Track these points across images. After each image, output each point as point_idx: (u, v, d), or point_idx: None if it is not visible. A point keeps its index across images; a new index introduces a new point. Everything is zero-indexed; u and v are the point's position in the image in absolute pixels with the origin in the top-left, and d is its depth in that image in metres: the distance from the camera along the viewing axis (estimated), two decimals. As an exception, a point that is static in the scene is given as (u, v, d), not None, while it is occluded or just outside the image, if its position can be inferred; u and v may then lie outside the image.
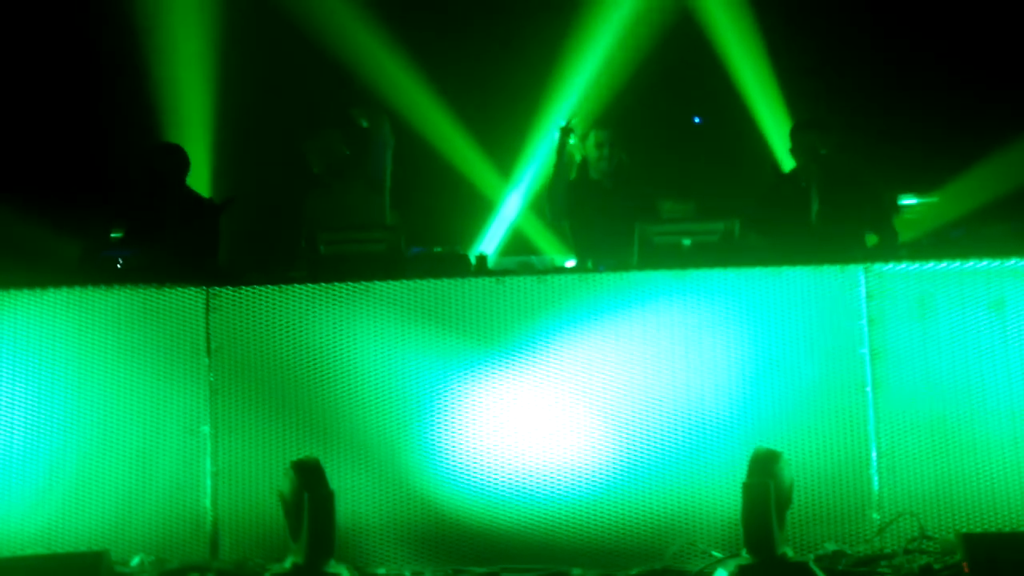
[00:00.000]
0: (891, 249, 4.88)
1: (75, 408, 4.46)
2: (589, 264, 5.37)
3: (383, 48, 7.33)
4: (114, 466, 4.44)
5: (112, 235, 5.71)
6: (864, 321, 4.38)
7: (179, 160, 5.57)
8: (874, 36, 7.07)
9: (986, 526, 4.23)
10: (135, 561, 4.32)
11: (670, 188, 5.87)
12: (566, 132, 5.74)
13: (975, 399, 4.31)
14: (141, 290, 4.52)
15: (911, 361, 4.35)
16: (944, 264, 4.39)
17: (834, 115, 6.08)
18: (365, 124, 5.73)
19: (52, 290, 4.52)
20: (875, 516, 4.30)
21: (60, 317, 4.51)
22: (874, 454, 4.32)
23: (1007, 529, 4.22)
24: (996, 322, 4.34)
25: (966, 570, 3.61)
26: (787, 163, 6.83)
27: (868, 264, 4.43)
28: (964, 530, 4.16)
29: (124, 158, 5.96)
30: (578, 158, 5.83)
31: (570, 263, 6.03)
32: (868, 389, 4.35)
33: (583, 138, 5.81)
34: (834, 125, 5.54)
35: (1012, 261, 4.35)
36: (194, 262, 5.03)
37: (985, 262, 4.37)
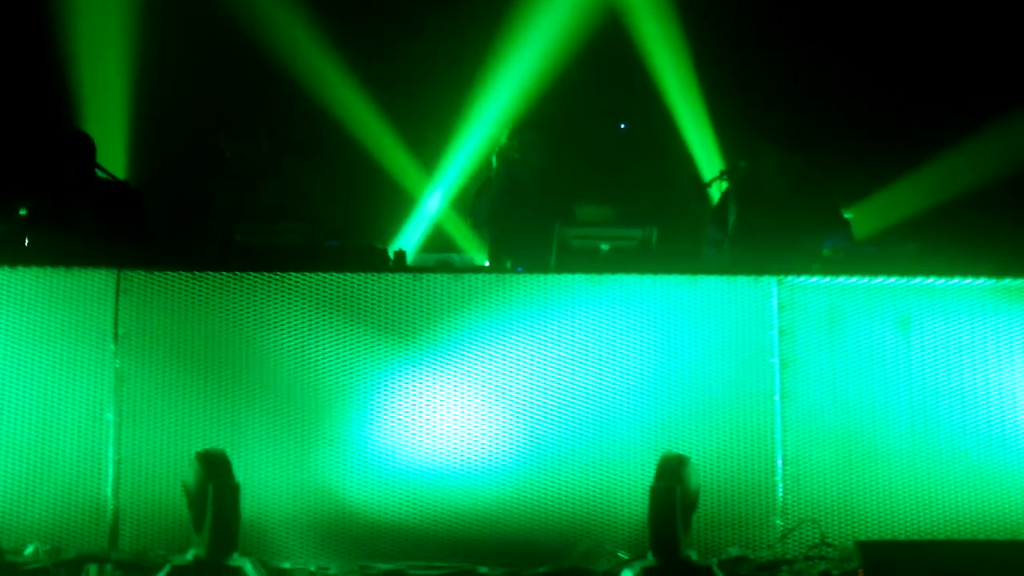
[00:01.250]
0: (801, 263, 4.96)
1: (-27, 390, 4.33)
2: (508, 264, 5.38)
3: (308, 38, 7.24)
4: (11, 451, 4.31)
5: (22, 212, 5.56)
6: (775, 331, 4.46)
7: (82, 145, 5.45)
8: (796, 49, 7.20)
9: (884, 534, 4.35)
10: (29, 550, 4.19)
11: (591, 193, 5.91)
12: (508, 158, 5.74)
13: (878, 412, 4.41)
14: (48, 271, 4.40)
15: (819, 372, 4.45)
16: (854, 279, 4.49)
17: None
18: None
19: (-47, 268, 4.38)
20: (779, 522, 4.37)
21: (-39, 296, 4.37)
22: (780, 462, 4.40)
23: (903, 537, 4.33)
24: (901, 338, 4.45)
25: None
26: (708, 172, 6.96)
27: (781, 276, 4.50)
28: (863, 538, 4.26)
29: (31, 142, 5.79)
30: (495, 163, 5.85)
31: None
32: (776, 398, 4.43)
33: (508, 139, 5.82)
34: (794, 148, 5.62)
35: (918, 279, 4.47)
36: (106, 242, 4.90)
37: (893, 279, 4.48)
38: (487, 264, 5.70)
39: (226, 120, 5.77)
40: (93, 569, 4.12)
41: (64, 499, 4.31)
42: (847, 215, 6.09)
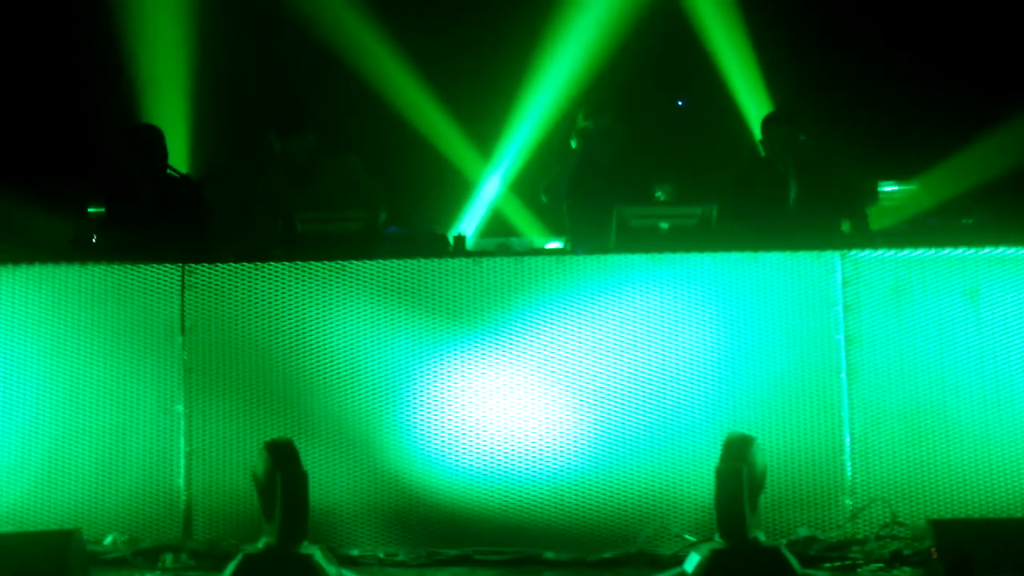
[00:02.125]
0: (865, 237, 4.88)
1: (48, 386, 4.44)
2: (568, 245, 5.37)
3: (365, 28, 7.27)
4: (87, 444, 4.42)
5: (91, 210, 5.66)
6: (840, 307, 4.39)
7: (154, 140, 5.50)
8: (857, 23, 7.07)
9: (957, 513, 4.26)
10: (108, 540, 4.31)
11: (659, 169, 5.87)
12: (584, 133, 5.71)
13: (948, 386, 4.33)
14: (116, 268, 4.49)
15: (886, 347, 4.37)
16: (920, 251, 4.40)
17: (804, 105, 6.07)
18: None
19: (26, 267, 4.49)
20: (848, 502, 4.32)
21: (34, 294, 4.48)
22: (848, 440, 4.34)
23: (977, 516, 4.25)
24: (970, 310, 4.35)
25: (934, 556, 3.62)
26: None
27: (845, 251, 4.43)
28: (934, 516, 4.19)
29: (103, 138, 5.89)
30: (574, 144, 5.81)
31: (552, 245, 6.02)
32: (843, 375, 4.36)
33: (583, 119, 5.77)
34: (802, 118, 5.52)
35: (986, 249, 4.37)
36: (175, 240, 4.98)
37: (960, 250, 4.39)
38: (550, 245, 5.67)
39: (280, 114, 5.79)
40: (169, 558, 4.23)
41: (139, 490, 4.41)
42: (911, 186, 5.99)
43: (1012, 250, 4.37)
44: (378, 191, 5.75)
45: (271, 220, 5.39)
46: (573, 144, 5.81)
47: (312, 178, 5.73)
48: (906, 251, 4.42)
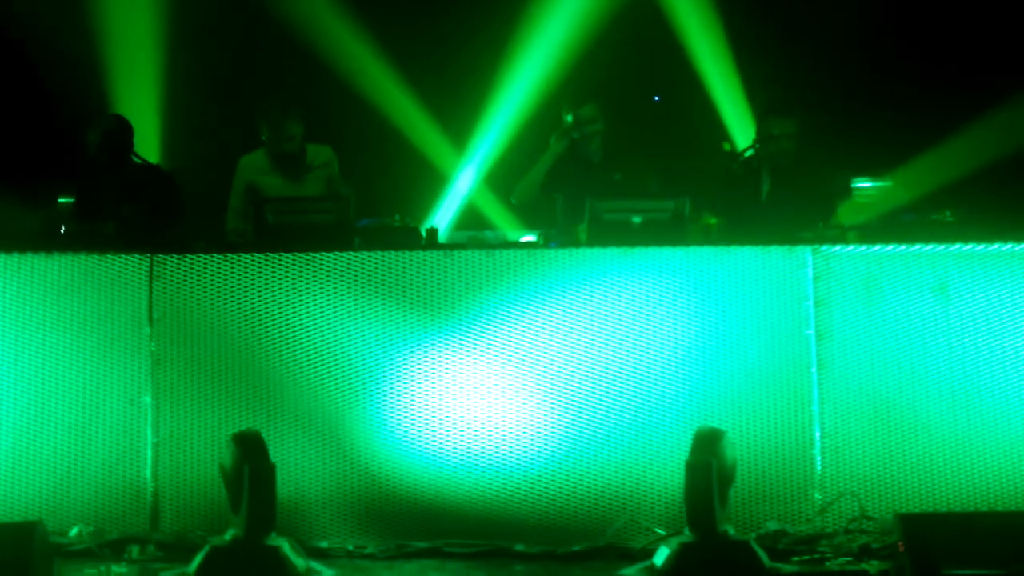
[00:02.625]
0: (837, 232, 4.89)
1: (13, 376, 4.40)
2: (540, 239, 5.34)
3: (339, 17, 7.23)
4: (53, 436, 4.38)
5: (61, 200, 5.61)
6: (811, 302, 4.40)
7: (120, 130, 5.47)
8: (832, 18, 7.08)
9: (924, 506, 4.29)
10: (74, 531, 4.27)
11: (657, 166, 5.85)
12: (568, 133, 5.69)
13: (917, 381, 4.35)
14: (83, 257, 4.45)
15: (856, 343, 4.39)
16: (891, 247, 4.42)
17: (795, 99, 6.08)
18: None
19: (-9, 256, 4.44)
20: (817, 496, 4.33)
21: (-1, 284, 4.43)
22: (817, 434, 4.35)
23: (945, 509, 4.27)
24: (939, 305, 4.38)
25: (901, 549, 3.64)
26: (741, 143, 6.86)
27: (816, 246, 4.45)
28: (903, 510, 4.21)
29: (71, 129, 5.83)
30: (552, 142, 5.78)
31: (527, 238, 6.00)
32: (813, 370, 4.38)
33: (566, 114, 5.74)
34: (799, 113, 5.53)
35: (956, 246, 4.39)
36: (144, 230, 4.94)
37: (930, 246, 4.41)
38: (525, 239, 5.63)
39: (269, 100, 5.72)
40: (135, 550, 4.20)
41: (105, 482, 4.37)
42: (885, 183, 6.00)
43: (982, 246, 4.40)
44: (347, 187, 5.74)
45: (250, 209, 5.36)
46: (552, 142, 5.77)
47: (300, 167, 5.68)
48: (877, 247, 4.44)
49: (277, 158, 5.60)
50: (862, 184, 6.24)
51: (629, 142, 5.84)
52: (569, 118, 5.68)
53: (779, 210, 5.27)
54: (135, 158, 5.45)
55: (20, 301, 4.42)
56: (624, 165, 5.64)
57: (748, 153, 5.45)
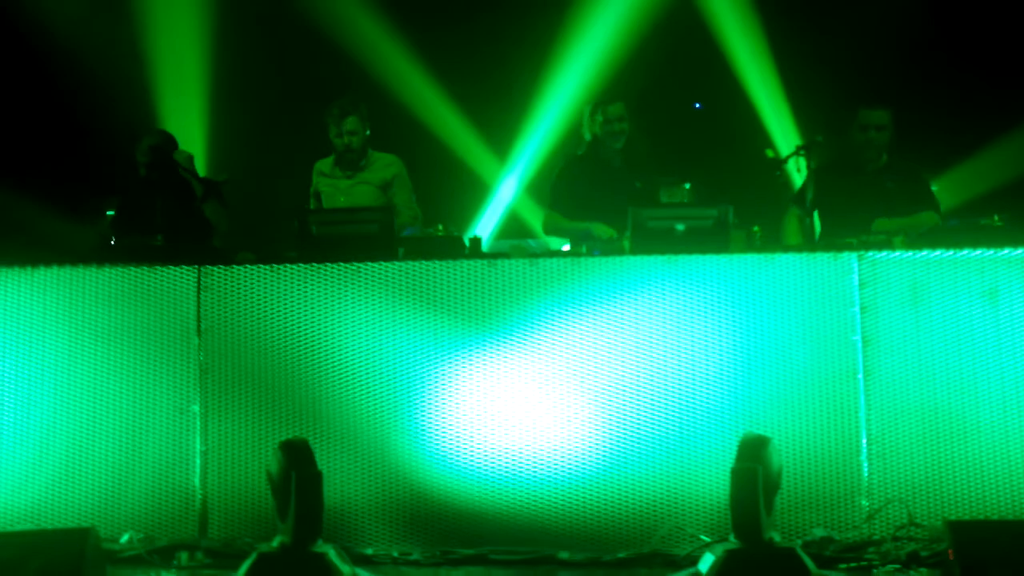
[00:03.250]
0: (883, 238, 4.85)
1: (65, 386, 4.48)
2: (583, 248, 5.35)
3: (381, 30, 7.30)
4: (103, 444, 4.45)
5: (110, 213, 5.72)
6: (857, 308, 4.37)
7: (167, 145, 5.57)
8: (874, 24, 7.03)
9: (974, 514, 4.23)
10: (124, 538, 4.34)
11: (669, 172, 5.84)
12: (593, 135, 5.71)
13: (966, 387, 4.30)
14: (132, 270, 4.53)
15: (903, 349, 4.34)
16: (937, 252, 4.38)
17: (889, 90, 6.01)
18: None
19: (43, 269, 4.53)
20: (864, 503, 4.29)
21: (51, 296, 4.52)
22: (864, 441, 4.31)
23: (995, 517, 4.21)
24: (988, 311, 4.32)
25: (951, 557, 3.60)
26: (784, 149, 6.83)
27: (862, 252, 4.41)
28: (952, 517, 4.16)
29: (119, 143, 5.94)
30: (587, 136, 5.79)
31: (567, 247, 6.01)
32: (859, 376, 4.34)
33: (591, 115, 5.75)
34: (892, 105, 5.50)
35: (1005, 251, 4.34)
36: (189, 242, 5.01)
37: (979, 251, 4.36)
38: (566, 247, 5.65)
39: (337, 98, 5.83)
40: (184, 556, 4.25)
41: (155, 489, 4.44)
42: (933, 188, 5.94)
43: (1032, 251, 4.34)
44: (412, 200, 5.81)
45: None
46: (586, 136, 5.77)
47: (356, 168, 5.78)
48: (924, 252, 4.39)
49: (338, 156, 5.79)
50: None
51: (646, 145, 5.83)
52: (587, 114, 5.70)
53: (837, 215, 5.24)
54: (182, 171, 5.53)
55: (72, 313, 4.50)
56: (644, 175, 5.63)
57: (793, 159, 5.41)
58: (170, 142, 5.63)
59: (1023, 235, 4.43)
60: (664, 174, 5.67)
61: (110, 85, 7.06)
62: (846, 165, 5.45)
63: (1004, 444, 4.27)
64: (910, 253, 4.40)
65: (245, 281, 4.52)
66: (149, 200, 5.48)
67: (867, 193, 5.31)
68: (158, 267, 4.52)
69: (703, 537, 4.22)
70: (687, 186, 5.40)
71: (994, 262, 4.35)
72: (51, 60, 7.12)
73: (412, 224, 5.73)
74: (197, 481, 4.44)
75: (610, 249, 4.89)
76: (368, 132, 5.83)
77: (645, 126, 6.01)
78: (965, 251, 4.37)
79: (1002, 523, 4.12)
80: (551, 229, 5.71)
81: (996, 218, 4.60)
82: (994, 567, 3.53)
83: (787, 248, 4.51)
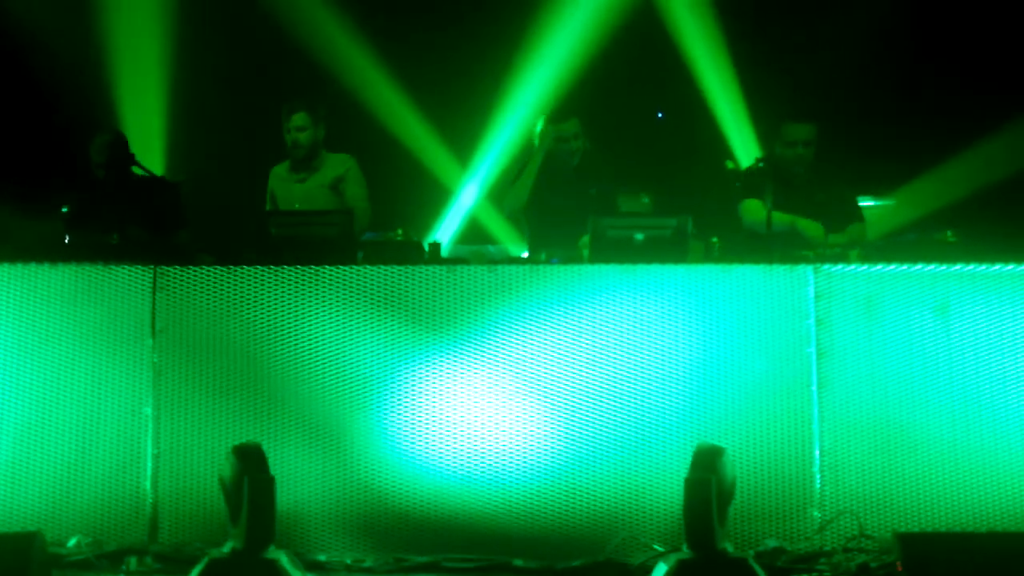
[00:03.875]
0: (838, 251, 4.90)
1: (14, 385, 4.41)
2: (543, 255, 5.35)
3: (342, 31, 7.27)
4: (52, 446, 4.38)
5: (65, 210, 5.65)
6: (812, 320, 4.41)
7: (121, 144, 5.53)
8: (834, 37, 7.10)
9: (924, 526, 4.28)
10: (72, 542, 4.27)
11: (628, 182, 5.87)
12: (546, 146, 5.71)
13: (917, 401, 4.35)
14: (86, 268, 4.46)
15: (856, 361, 4.38)
16: (892, 266, 4.43)
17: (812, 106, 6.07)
18: None
19: (-6, 266, 4.45)
20: (816, 514, 4.33)
21: (1, 293, 4.44)
22: (817, 452, 4.35)
23: (944, 529, 4.27)
24: (940, 325, 4.38)
25: (899, 569, 3.64)
26: (745, 160, 6.88)
27: (818, 264, 4.45)
28: (902, 529, 4.20)
29: (74, 137, 5.87)
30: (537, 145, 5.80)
31: (525, 254, 6.01)
32: (813, 388, 4.38)
33: (544, 129, 5.76)
34: (817, 120, 5.54)
35: (958, 266, 4.40)
36: (145, 241, 4.97)
37: (932, 266, 4.41)
38: (526, 254, 5.67)
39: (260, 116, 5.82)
40: (133, 561, 4.20)
41: (104, 492, 4.37)
42: (888, 202, 6.01)
43: (983, 266, 4.39)
44: (362, 194, 5.80)
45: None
46: (535, 151, 5.80)
47: (308, 168, 5.77)
48: (879, 266, 4.44)
49: (290, 155, 5.79)
50: (865, 203, 6.26)
51: (602, 156, 5.86)
52: (540, 127, 5.72)
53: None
54: (136, 169, 5.48)
55: (22, 311, 4.43)
56: (599, 180, 5.65)
57: (753, 169, 5.45)
58: (124, 142, 5.59)
59: (975, 251, 4.47)
60: (618, 181, 5.70)
61: (68, 80, 6.97)
62: (776, 178, 5.47)
63: (953, 457, 4.32)
64: (865, 267, 4.45)
65: (202, 282, 4.47)
66: (105, 198, 5.44)
67: (798, 206, 5.35)
68: (112, 266, 4.46)
69: (656, 547, 4.24)
70: (645, 200, 5.44)
71: (946, 277, 4.41)
72: (8, 52, 7.02)
73: (361, 218, 5.70)
74: (148, 484, 4.39)
75: (569, 257, 4.91)
76: (322, 132, 5.82)
77: (599, 135, 6.02)
78: (919, 265, 4.42)
79: (950, 535, 4.18)
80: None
81: (949, 233, 4.65)
82: (942, 579, 3.58)
83: (744, 259, 4.53)
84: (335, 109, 6.29)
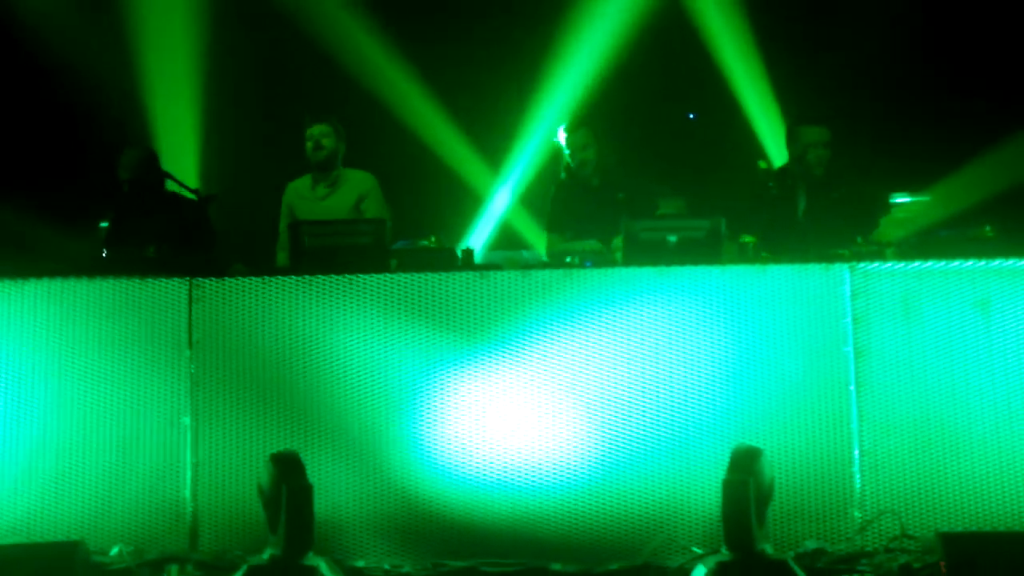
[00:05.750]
0: (874, 249, 4.86)
1: (56, 398, 4.45)
2: (575, 259, 5.35)
3: (373, 42, 7.31)
4: (94, 457, 4.43)
5: (103, 225, 5.72)
6: (849, 319, 4.37)
7: (151, 161, 5.58)
8: (866, 34, 7.05)
9: (967, 525, 4.23)
10: (114, 551, 4.31)
11: (661, 184, 5.85)
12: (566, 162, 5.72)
13: (958, 399, 4.30)
14: (124, 281, 4.51)
15: (895, 360, 4.34)
16: (929, 263, 4.38)
17: (827, 108, 6.05)
18: None
19: (34, 281, 4.51)
20: (856, 514, 4.29)
21: (42, 307, 4.50)
22: (856, 452, 4.31)
23: (987, 529, 4.21)
24: (980, 322, 4.33)
25: (943, 570, 3.60)
26: (778, 160, 6.84)
27: (853, 263, 4.42)
28: (944, 529, 4.15)
29: (111, 154, 5.95)
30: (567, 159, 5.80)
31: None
32: (851, 387, 4.34)
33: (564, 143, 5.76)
34: (831, 121, 5.51)
35: (997, 261, 4.34)
36: (179, 255, 5.01)
37: (971, 262, 4.36)
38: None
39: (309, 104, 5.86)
40: (174, 569, 4.23)
41: (145, 502, 4.41)
42: (923, 198, 5.95)
43: (1023, 262, 4.34)
44: (380, 213, 5.81)
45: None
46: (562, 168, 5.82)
47: (328, 182, 5.80)
48: (916, 263, 4.39)
49: (311, 159, 5.80)
50: (900, 199, 6.21)
51: (624, 169, 5.83)
52: (562, 139, 5.72)
53: (817, 226, 5.24)
54: (171, 184, 5.53)
55: (63, 325, 4.48)
56: (626, 185, 5.64)
57: (778, 168, 5.43)
58: (154, 158, 5.64)
59: (1014, 246, 4.42)
60: (645, 186, 5.68)
61: (104, 98, 7.06)
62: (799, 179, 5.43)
63: (997, 455, 4.27)
64: (902, 264, 4.41)
65: (237, 293, 4.51)
66: (141, 212, 5.49)
67: (815, 205, 5.31)
68: (149, 279, 4.51)
69: (695, 549, 4.21)
70: (679, 202, 5.42)
71: (985, 273, 4.36)
72: (46, 71, 7.12)
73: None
74: (188, 493, 4.43)
75: (602, 260, 4.90)
76: (343, 148, 5.83)
77: (630, 138, 6.00)
78: (956, 262, 4.37)
79: (994, 535, 4.12)
80: (550, 254, 5.74)
81: (987, 229, 4.60)
82: (986, 579, 3.53)
83: (779, 259, 4.50)
84: (367, 119, 6.35)
